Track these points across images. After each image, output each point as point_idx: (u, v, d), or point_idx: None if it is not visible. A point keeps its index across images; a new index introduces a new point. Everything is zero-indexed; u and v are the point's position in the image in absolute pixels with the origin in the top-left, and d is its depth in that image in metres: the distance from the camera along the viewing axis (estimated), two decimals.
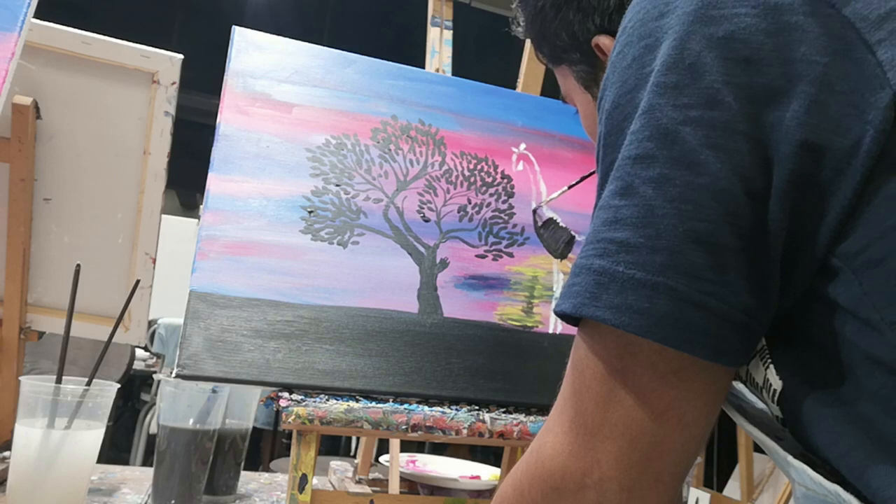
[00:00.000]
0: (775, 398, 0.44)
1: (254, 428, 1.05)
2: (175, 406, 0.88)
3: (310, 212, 0.85)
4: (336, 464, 1.09)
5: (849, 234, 0.39)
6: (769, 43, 0.40)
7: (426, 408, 0.79)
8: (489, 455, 3.33)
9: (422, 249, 0.89)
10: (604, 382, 0.43)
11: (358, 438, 2.25)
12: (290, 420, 0.72)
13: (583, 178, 0.91)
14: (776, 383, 0.43)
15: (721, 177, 0.40)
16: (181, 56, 0.96)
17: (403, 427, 0.76)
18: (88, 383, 0.75)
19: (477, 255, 0.92)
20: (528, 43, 1.26)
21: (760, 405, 0.49)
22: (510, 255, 0.93)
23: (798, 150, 0.39)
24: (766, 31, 0.41)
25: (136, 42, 0.96)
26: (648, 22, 0.45)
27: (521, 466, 0.49)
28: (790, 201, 0.40)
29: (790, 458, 0.42)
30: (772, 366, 0.44)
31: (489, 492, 1.02)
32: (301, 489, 0.73)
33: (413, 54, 1.43)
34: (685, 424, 0.42)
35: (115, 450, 3.41)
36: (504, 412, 0.83)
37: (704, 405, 0.43)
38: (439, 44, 1.41)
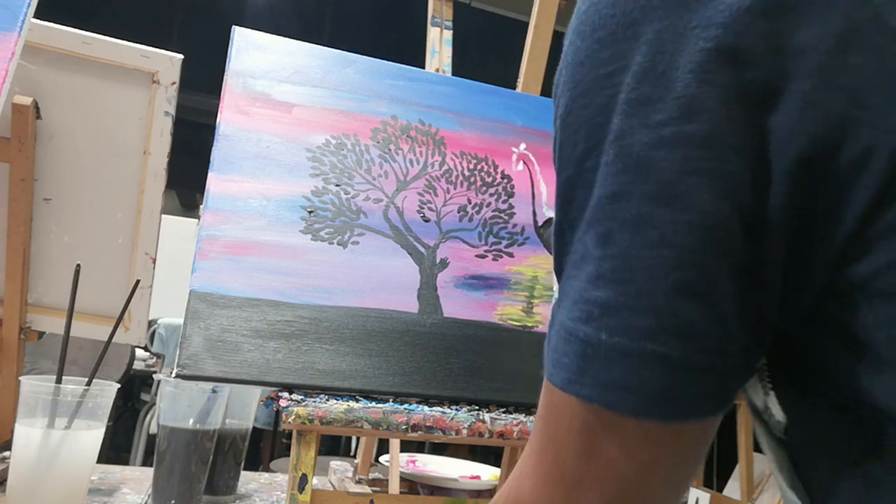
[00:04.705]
0: (780, 428, 0.39)
1: (254, 428, 1.05)
2: (175, 406, 0.88)
3: (310, 212, 0.85)
4: (336, 464, 1.09)
5: (860, 257, 0.32)
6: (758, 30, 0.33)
7: (426, 408, 0.79)
8: (489, 455, 3.33)
9: (422, 249, 0.89)
10: (583, 436, 0.37)
11: (358, 438, 2.25)
12: (290, 420, 0.72)
13: None
14: (779, 415, 0.39)
15: (707, 210, 0.33)
16: (181, 56, 0.96)
17: (403, 427, 0.76)
18: (88, 383, 0.75)
19: (477, 255, 0.92)
20: (528, 43, 1.26)
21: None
22: (510, 255, 0.93)
23: (797, 161, 0.32)
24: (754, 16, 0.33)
25: (136, 42, 0.96)
26: (604, 9, 0.37)
27: None
28: (791, 224, 0.33)
29: (785, 486, 0.39)
30: (772, 393, 0.39)
31: (489, 492, 1.02)
32: (301, 489, 0.73)
33: (413, 54, 1.43)
34: (675, 467, 0.38)
35: (115, 450, 3.40)
36: (504, 412, 0.83)
37: (697, 449, 0.39)
38: (439, 44, 1.41)
